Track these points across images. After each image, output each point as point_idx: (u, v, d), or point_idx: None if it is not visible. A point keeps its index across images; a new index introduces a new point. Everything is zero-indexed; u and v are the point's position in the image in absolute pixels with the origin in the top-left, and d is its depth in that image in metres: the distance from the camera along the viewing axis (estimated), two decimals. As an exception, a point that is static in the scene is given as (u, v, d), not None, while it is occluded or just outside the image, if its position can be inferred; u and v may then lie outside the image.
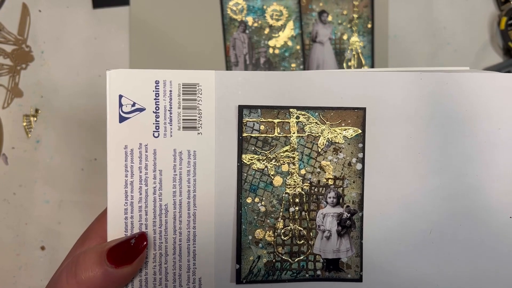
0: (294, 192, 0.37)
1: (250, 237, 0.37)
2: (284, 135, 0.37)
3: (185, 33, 0.66)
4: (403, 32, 0.68)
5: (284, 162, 0.37)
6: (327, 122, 0.37)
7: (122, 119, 0.35)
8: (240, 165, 0.36)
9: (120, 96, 0.35)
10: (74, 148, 0.65)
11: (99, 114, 0.65)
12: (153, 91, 0.35)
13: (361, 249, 0.37)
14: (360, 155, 0.37)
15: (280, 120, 0.36)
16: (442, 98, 0.37)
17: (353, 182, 0.37)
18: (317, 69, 0.65)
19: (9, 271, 0.64)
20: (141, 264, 0.35)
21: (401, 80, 0.36)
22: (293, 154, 0.37)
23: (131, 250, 0.34)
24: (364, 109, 0.37)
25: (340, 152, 0.37)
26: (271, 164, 0.37)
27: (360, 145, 0.37)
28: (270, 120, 0.36)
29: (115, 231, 0.36)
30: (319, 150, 0.37)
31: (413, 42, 0.68)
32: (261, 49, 0.66)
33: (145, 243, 0.35)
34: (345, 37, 0.66)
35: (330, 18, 0.66)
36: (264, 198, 0.37)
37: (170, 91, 0.35)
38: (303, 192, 0.37)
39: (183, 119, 0.36)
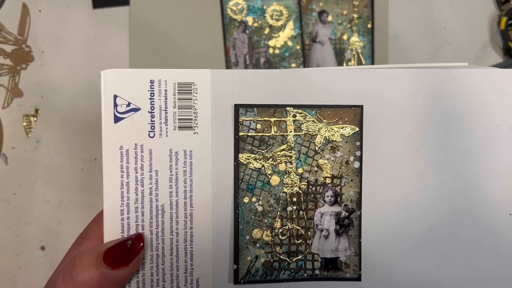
0: (292, 191, 0.37)
1: (247, 237, 0.36)
2: (281, 134, 0.36)
3: (185, 33, 0.65)
4: (403, 32, 0.67)
5: (281, 161, 0.36)
6: (324, 121, 0.36)
7: (117, 119, 0.35)
8: (237, 164, 0.36)
9: (115, 96, 0.35)
10: (74, 148, 0.65)
11: (99, 114, 0.64)
12: (148, 90, 0.35)
13: (359, 248, 0.37)
14: (358, 153, 0.37)
15: (277, 119, 0.36)
16: (440, 95, 0.36)
17: (351, 180, 0.37)
18: (317, 69, 0.65)
19: (9, 271, 0.64)
20: (138, 265, 0.35)
21: (398, 77, 0.36)
22: (290, 153, 0.36)
23: (127, 252, 0.34)
24: (361, 107, 0.36)
25: (338, 150, 0.37)
26: (268, 163, 0.36)
27: (358, 143, 0.36)
28: (266, 119, 0.36)
29: (112, 232, 0.35)
30: (316, 148, 0.36)
31: (413, 42, 0.67)
32: (261, 49, 0.66)
33: (141, 244, 0.34)
34: (345, 37, 0.66)
35: (330, 18, 0.66)
36: (261, 198, 0.36)
37: (165, 90, 0.35)
38: (300, 191, 0.37)
39: (178, 119, 0.35)
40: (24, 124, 0.64)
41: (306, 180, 0.37)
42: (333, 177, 0.37)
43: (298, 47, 0.66)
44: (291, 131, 0.36)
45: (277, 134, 0.36)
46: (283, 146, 0.36)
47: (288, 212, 0.37)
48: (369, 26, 0.66)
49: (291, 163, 0.36)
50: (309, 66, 0.65)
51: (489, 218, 0.37)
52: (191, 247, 0.36)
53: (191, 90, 0.35)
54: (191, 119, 0.35)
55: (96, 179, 0.65)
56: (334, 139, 0.36)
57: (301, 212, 0.37)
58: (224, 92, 0.36)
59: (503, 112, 0.36)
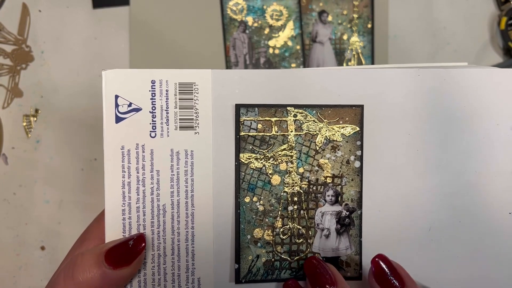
0: (293, 190, 0.37)
1: (248, 237, 0.36)
2: (282, 133, 0.36)
3: (185, 33, 0.65)
4: (403, 32, 0.67)
5: (282, 160, 0.36)
6: (324, 120, 0.36)
7: (118, 119, 0.35)
8: (238, 164, 0.36)
9: (116, 97, 0.35)
10: (74, 148, 0.65)
11: (99, 114, 0.64)
12: (149, 91, 0.35)
13: (360, 247, 0.37)
14: (359, 152, 0.37)
15: (278, 119, 0.36)
16: (440, 94, 0.36)
17: (352, 180, 0.37)
18: (317, 69, 0.65)
19: (9, 271, 0.64)
20: (140, 265, 0.35)
21: (398, 77, 0.36)
22: (291, 152, 0.36)
23: (129, 252, 0.34)
24: (362, 107, 0.36)
25: (338, 150, 0.37)
26: (269, 163, 0.36)
27: (358, 142, 0.37)
28: (267, 118, 0.36)
29: (113, 232, 0.35)
30: (317, 148, 0.37)
31: (413, 42, 0.68)
32: (261, 49, 0.66)
33: (143, 244, 0.35)
34: (345, 37, 0.66)
35: (330, 18, 0.66)
36: (262, 197, 0.37)
37: (167, 90, 0.35)
38: (301, 191, 0.37)
39: (179, 119, 0.35)
40: (24, 124, 0.64)
41: (307, 180, 0.37)
42: (333, 176, 0.37)
43: (298, 47, 0.66)
44: (292, 131, 0.36)
45: (278, 133, 0.36)
46: (284, 146, 0.36)
47: (289, 212, 0.37)
48: (369, 26, 0.66)
49: (292, 162, 0.37)
50: (309, 66, 0.66)
51: (489, 218, 0.37)
52: (192, 247, 0.36)
53: (192, 90, 0.35)
54: (192, 119, 0.36)
55: (96, 179, 0.65)
56: (335, 139, 0.37)
57: (302, 212, 0.37)
58: (225, 92, 0.36)
59: (503, 112, 0.37)
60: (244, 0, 0.65)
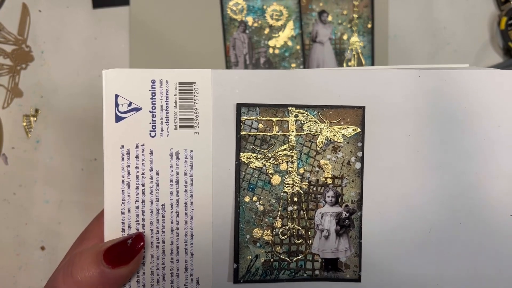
0: (293, 191, 0.37)
1: (248, 236, 0.36)
2: (283, 133, 0.36)
3: (185, 33, 0.65)
4: (403, 32, 0.67)
5: (282, 161, 0.36)
6: (326, 121, 0.36)
7: (118, 118, 0.35)
8: (238, 163, 0.36)
9: (116, 96, 0.35)
10: (74, 148, 0.65)
11: (99, 114, 0.64)
12: (150, 90, 0.35)
13: (360, 249, 0.37)
14: (359, 154, 0.37)
15: (279, 119, 0.36)
16: (441, 95, 0.36)
17: (352, 181, 0.37)
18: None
19: (9, 271, 0.64)
20: (138, 264, 0.35)
21: (399, 78, 0.36)
22: (292, 152, 0.36)
23: (127, 251, 0.34)
24: (363, 108, 0.36)
25: (339, 151, 0.37)
26: (270, 162, 0.36)
27: (359, 144, 0.36)
28: (268, 118, 0.36)
29: (112, 231, 0.35)
30: (318, 149, 0.36)
31: (413, 42, 0.68)
32: (261, 49, 0.66)
33: (142, 243, 0.34)
34: (345, 37, 0.66)
35: (330, 18, 0.66)
36: (262, 197, 0.36)
37: (167, 90, 0.35)
38: (301, 191, 0.37)
39: (179, 119, 0.35)
40: (24, 124, 0.64)
41: (307, 180, 0.37)
42: (334, 177, 0.37)
43: (298, 47, 0.66)
44: (292, 131, 0.36)
45: (279, 133, 0.36)
46: (285, 146, 0.36)
47: (289, 212, 0.37)
48: (369, 26, 0.66)
49: (292, 163, 0.36)
50: (309, 66, 0.65)
51: (490, 219, 0.37)
52: (191, 247, 0.36)
53: (192, 90, 0.35)
54: (192, 118, 0.35)
55: (96, 179, 0.65)
56: (336, 140, 0.36)
57: (301, 212, 0.37)
58: (225, 92, 0.36)
59: (504, 113, 0.36)
60: (244, 0, 0.65)
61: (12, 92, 0.64)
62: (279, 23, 0.66)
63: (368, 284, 0.37)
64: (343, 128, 0.36)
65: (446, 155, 0.36)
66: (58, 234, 0.64)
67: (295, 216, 0.37)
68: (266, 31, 0.65)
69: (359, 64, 0.66)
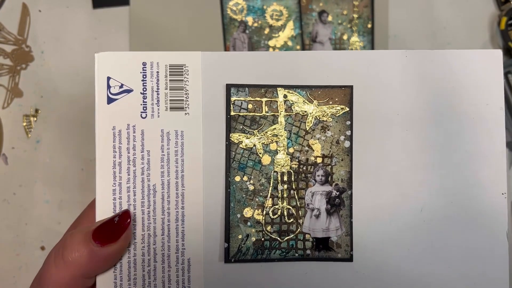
0: (283, 170, 0.37)
1: (238, 215, 0.36)
2: (272, 113, 0.37)
3: (185, 33, 0.66)
4: (403, 32, 0.68)
5: (272, 140, 0.37)
6: (314, 101, 0.37)
7: (110, 100, 0.36)
8: (229, 144, 0.36)
9: (108, 78, 0.36)
10: (74, 148, 0.65)
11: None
12: (141, 72, 0.36)
13: (351, 228, 0.37)
14: (348, 132, 0.37)
15: (268, 99, 0.36)
16: (428, 75, 0.36)
17: (342, 160, 0.37)
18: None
19: (9, 271, 0.64)
20: (127, 241, 0.35)
21: (386, 59, 0.37)
22: (281, 132, 0.37)
23: (115, 228, 0.34)
24: (351, 87, 0.37)
25: (328, 130, 0.37)
26: (260, 142, 0.37)
27: (348, 122, 0.37)
28: (258, 98, 0.36)
29: (104, 212, 0.36)
30: (307, 128, 0.37)
31: (413, 42, 0.68)
32: (261, 49, 0.66)
33: (128, 220, 0.35)
34: (345, 37, 0.66)
35: (330, 18, 0.66)
36: (252, 177, 0.37)
37: (157, 72, 0.36)
38: (291, 171, 0.37)
39: (170, 100, 0.36)
40: (24, 124, 0.64)
41: (297, 160, 0.37)
42: (323, 156, 0.37)
43: (298, 47, 0.66)
44: (282, 111, 0.37)
45: (268, 114, 0.37)
46: (274, 126, 0.37)
47: (279, 191, 0.37)
48: (369, 26, 0.66)
49: (282, 142, 0.37)
50: (309, 66, 0.66)
51: (481, 198, 0.37)
52: (182, 227, 0.36)
53: (182, 71, 0.36)
54: (183, 100, 0.36)
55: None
56: (325, 119, 0.37)
57: (292, 192, 0.37)
58: (214, 73, 0.36)
59: (491, 92, 0.37)
60: (244, 0, 0.66)
61: (12, 92, 0.64)
62: (279, 23, 0.66)
63: (360, 264, 0.37)
64: (332, 108, 0.37)
65: (436, 134, 0.37)
66: (58, 234, 0.64)
67: (285, 195, 0.37)
68: (266, 31, 0.66)
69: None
